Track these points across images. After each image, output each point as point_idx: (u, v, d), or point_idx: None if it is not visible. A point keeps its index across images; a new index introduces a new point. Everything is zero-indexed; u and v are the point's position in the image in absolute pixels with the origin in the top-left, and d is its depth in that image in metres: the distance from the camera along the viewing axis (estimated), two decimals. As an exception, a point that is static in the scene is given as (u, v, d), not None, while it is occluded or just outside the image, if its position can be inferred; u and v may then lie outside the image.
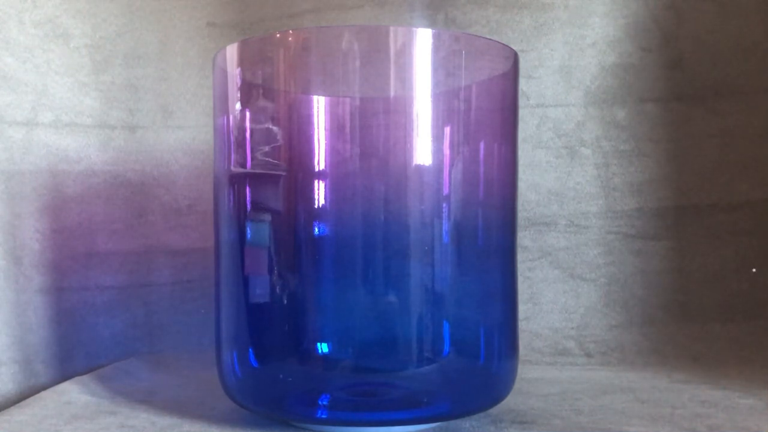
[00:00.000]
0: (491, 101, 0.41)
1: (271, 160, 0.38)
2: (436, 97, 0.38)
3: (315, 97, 0.38)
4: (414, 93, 0.38)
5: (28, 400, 0.46)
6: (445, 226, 0.38)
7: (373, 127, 0.38)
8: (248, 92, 0.39)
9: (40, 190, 0.56)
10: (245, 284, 0.39)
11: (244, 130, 0.39)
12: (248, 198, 0.39)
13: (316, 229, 0.38)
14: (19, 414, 0.43)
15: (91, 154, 0.58)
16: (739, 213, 0.59)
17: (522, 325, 0.50)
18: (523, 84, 0.59)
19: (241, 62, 0.40)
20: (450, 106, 0.38)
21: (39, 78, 0.56)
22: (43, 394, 0.47)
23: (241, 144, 0.39)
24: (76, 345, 0.57)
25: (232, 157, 0.40)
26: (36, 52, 0.56)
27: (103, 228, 0.58)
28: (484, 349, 0.40)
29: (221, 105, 0.41)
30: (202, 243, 0.61)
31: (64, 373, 0.55)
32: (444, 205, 0.38)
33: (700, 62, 0.60)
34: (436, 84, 0.38)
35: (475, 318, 0.39)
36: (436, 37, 0.38)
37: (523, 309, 0.59)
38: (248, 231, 0.39)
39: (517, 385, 0.42)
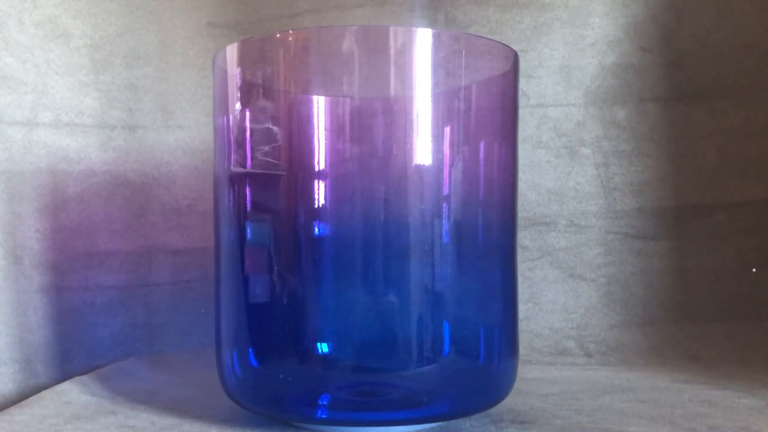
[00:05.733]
0: (491, 101, 0.41)
1: (271, 160, 0.38)
2: (436, 97, 0.38)
3: (315, 97, 0.38)
4: (414, 93, 0.38)
5: (28, 400, 0.46)
6: (445, 226, 0.38)
7: (373, 127, 0.38)
8: (248, 92, 0.39)
9: (40, 190, 0.56)
10: (245, 284, 0.39)
11: (244, 130, 0.39)
12: (248, 198, 0.39)
13: (316, 229, 0.38)
14: (19, 414, 0.43)
15: (91, 154, 0.58)
16: (739, 213, 0.59)
17: (522, 325, 0.50)
18: (523, 84, 0.59)
19: (241, 62, 0.40)
20: (450, 106, 0.38)
21: (39, 78, 0.56)
22: (43, 394, 0.47)
23: (241, 144, 0.39)
24: (76, 345, 0.57)
25: (232, 157, 0.40)
26: (36, 52, 0.56)
27: (103, 228, 0.58)
28: (484, 349, 0.40)
29: (221, 105, 0.41)
30: (202, 243, 0.61)
31: (64, 373, 0.55)
32: (444, 205, 0.38)
33: (700, 62, 0.60)
34: (436, 84, 0.38)
35: (475, 318, 0.39)
36: (436, 37, 0.38)
37: (523, 309, 0.59)
38: (248, 231, 0.39)
39: (517, 385, 0.42)
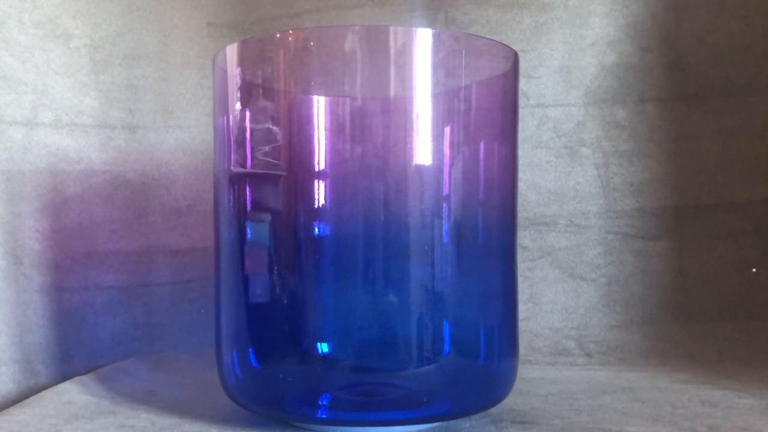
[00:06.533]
0: (491, 101, 0.41)
1: (271, 160, 0.38)
2: (436, 97, 0.38)
3: (315, 97, 0.38)
4: (414, 93, 0.38)
5: (28, 400, 0.46)
6: (445, 226, 0.38)
7: (373, 127, 0.38)
8: (248, 92, 0.39)
9: (40, 190, 0.56)
10: (245, 284, 0.39)
11: (244, 130, 0.39)
12: (248, 198, 0.39)
13: (316, 229, 0.38)
14: (19, 414, 0.43)
15: (91, 154, 0.58)
16: (739, 213, 0.59)
17: (522, 325, 0.50)
18: (523, 84, 0.59)
19: (241, 62, 0.40)
20: (450, 106, 0.38)
21: (39, 78, 0.56)
22: (43, 394, 0.47)
23: (241, 144, 0.39)
24: (76, 345, 0.57)
25: (232, 157, 0.40)
26: (36, 52, 0.56)
27: (103, 228, 0.58)
28: (484, 349, 0.40)
29: (221, 105, 0.41)
30: (202, 243, 0.61)
31: (64, 373, 0.55)
32: (444, 205, 0.38)
33: (700, 62, 0.60)
34: (436, 84, 0.38)
35: (475, 318, 0.39)
36: (436, 37, 0.38)
37: (523, 309, 0.59)
38: (248, 231, 0.39)
39: (517, 385, 0.42)
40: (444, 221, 0.38)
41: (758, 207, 0.59)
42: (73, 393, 0.47)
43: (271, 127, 0.38)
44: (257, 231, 0.39)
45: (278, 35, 0.39)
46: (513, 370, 0.41)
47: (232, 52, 0.40)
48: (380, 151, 0.38)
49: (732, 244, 0.59)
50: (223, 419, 0.41)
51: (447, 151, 0.38)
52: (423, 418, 0.38)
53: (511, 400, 0.43)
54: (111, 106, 0.59)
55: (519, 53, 0.42)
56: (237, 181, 0.39)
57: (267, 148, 0.38)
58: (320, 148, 0.37)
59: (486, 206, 0.40)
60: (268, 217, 0.39)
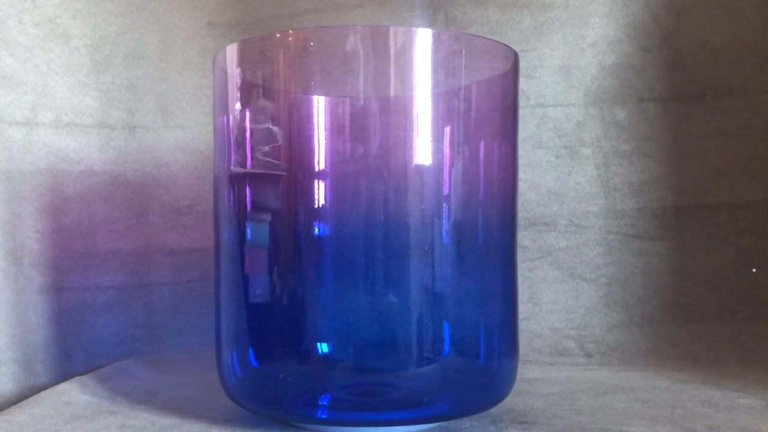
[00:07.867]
0: (491, 101, 0.41)
1: (271, 160, 0.38)
2: (436, 97, 0.38)
3: (315, 97, 0.38)
4: (414, 93, 0.38)
5: (28, 400, 0.46)
6: (445, 226, 0.38)
7: (373, 127, 0.38)
8: (248, 92, 0.39)
9: (40, 190, 0.56)
10: (245, 284, 0.39)
11: (244, 130, 0.39)
12: (248, 198, 0.39)
13: (316, 229, 0.38)
14: (19, 414, 0.43)
15: (91, 154, 0.58)
16: (739, 213, 0.59)
17: (522, 325, 0.50)
18: (523, 84, 0.59)
19: (241, 62, 0.40)
20: (450, 106, 0.38)
21: (39, 78, 0.56)
22: (43, 394, 0.47)
23: (241, 144, 0.39)
24: (76, 345, 0.57)
25: (232, 157, 0.40)
26: (36, 52, 0.56)
27: (103, 228, 0.58)
28: (484, 349, 0.40)
29: (221, 105, 0.41)
30: (202, 243, 0.61)
31: (64, 373, 0.55)
32: (444, 205, 0.38)
33: (700, 62, 0.60)
34: (436, 84, 0.38)
35: (475, 318, 0.39)
36: (436, 37, 0.38)
37: (523, 309, 0.59)
38: (248, 231, 0.39)
39: (517, 385, 0.42)
40: (444, 221, 0.38)
41: (758, 207, 0.59)
42: (73, 393, 0.47)
43: (271, 127, 0.38)
44: (257, 231, 0.39)
45: (278, 35, 0.39)
46: (513, 370, 0.41)
47: (232, 52, 0.40)
48: (380, 151, 0.38)
49: (732, 244, 0.59)
50: (223, 419, 0.41)
51: (447, 151, 0.38)
52: (423, 418, 0.38)
53: (511, 400, 0.43)
54: (111, 106, 0.59)
55: (519, 53, 0.42)
56: (237, 181, 0.39)
57: (267, 148, 0.38)
58: (320, 148, 0.37)
59: (486, 206, 0.40)
60: (268, 217, 0.39)
